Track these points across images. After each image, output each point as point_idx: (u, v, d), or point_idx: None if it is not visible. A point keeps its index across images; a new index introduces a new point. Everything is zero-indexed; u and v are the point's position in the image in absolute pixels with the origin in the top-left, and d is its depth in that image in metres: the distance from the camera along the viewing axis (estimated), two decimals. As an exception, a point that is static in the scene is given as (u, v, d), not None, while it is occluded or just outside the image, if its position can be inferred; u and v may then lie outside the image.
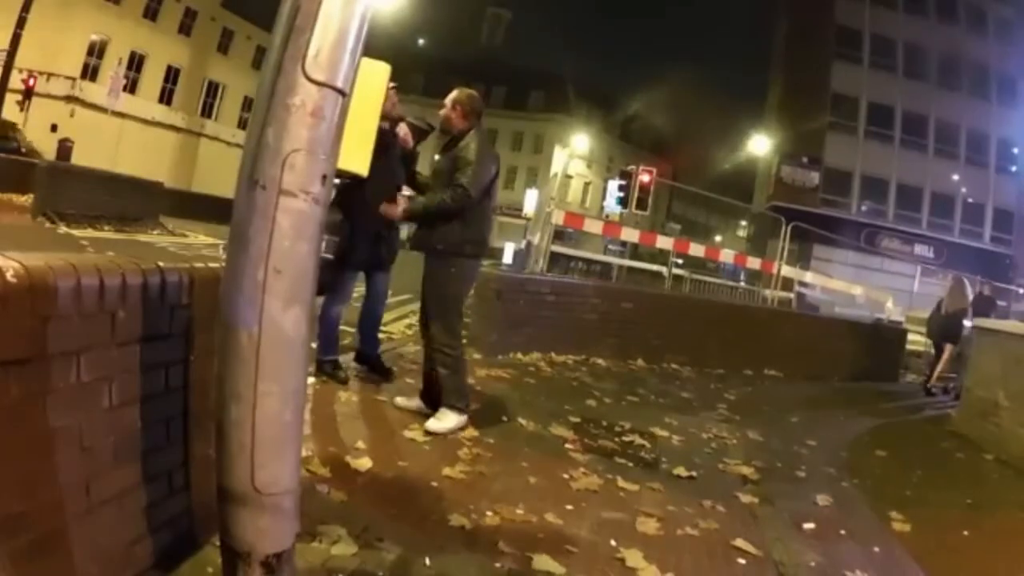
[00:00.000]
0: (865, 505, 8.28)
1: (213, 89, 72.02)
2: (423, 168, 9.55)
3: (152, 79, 65.01)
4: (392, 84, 9.23)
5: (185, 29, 67.24)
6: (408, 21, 63.44)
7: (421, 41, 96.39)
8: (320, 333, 9.27)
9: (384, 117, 9.07)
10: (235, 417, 3.15)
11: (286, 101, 3.07)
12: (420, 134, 9.56)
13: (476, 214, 8.28)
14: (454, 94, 8.44)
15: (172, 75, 67.17)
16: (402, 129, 9.20)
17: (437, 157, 8.54)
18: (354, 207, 8.90)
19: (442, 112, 8.38)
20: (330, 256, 8.45)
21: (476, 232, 8.37)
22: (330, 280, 8.71)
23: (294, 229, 3.09)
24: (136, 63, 62.75)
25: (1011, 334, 13.05)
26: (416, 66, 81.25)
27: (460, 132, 8.33)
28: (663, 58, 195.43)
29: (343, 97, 3.19)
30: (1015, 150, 66.32)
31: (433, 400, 8.42)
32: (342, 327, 9.62)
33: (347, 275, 9.20)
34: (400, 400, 8.67)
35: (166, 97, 66.90)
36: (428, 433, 7.77)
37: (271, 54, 3.15)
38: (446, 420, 8.02)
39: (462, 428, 8.08)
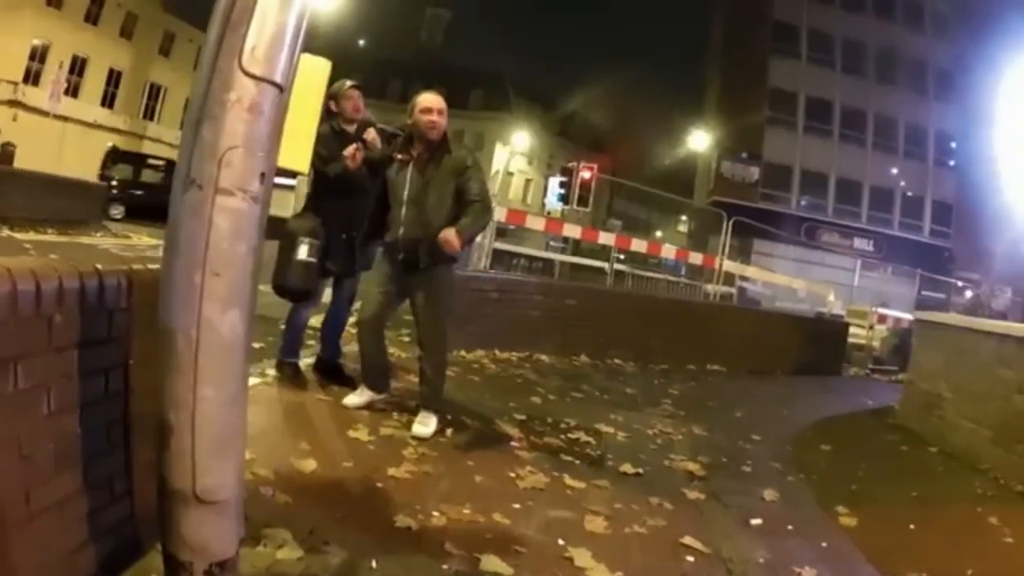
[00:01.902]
0: (812, 500, 8.32)
1: (155, 92, 71.73)
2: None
3: (94, 82, 64.75)
4: (354, 83, 9.11)
5: (127, 32, 67.01)
6: (348, 22, 63.42)
7: (361, 42, 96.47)
8: (286, 335, 9.21)
9: (349, 121, 8.95)
10: (174, 423, 3.11)
11: (222, 97, 3.03)
12: (389, 139, 9.33)
13: None
14: (441, 99, 8.18)
15: (114, 78, 66.88)
16: (370, 134, 8.91)
17: (412, 165, 8.18)
18: (323, 213, 8.76)
19: (439, 120, 8.04)
20: (314, 260, 8.34)
21: None
22: (312, 287, 8.68)
23: (232, 229, 3.05)
24: (78, 67, 62.50)
25: (953, 327, 13.18)
26: (356, 67, 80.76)
27: (443, 138, 8.17)
28: (602, 56, 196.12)
29: (281, 92, 3.15)
30: (952, 144, 67.15)
31: (378, 386, 8.58)
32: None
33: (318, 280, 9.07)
34: (351, 399, 8.55)
35: (108, 100, 66.55)
36: (416, 439, 7.74)
37: (207, 49, 3.10)
38: (431, 423, 8.03)
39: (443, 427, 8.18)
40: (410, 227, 8.05)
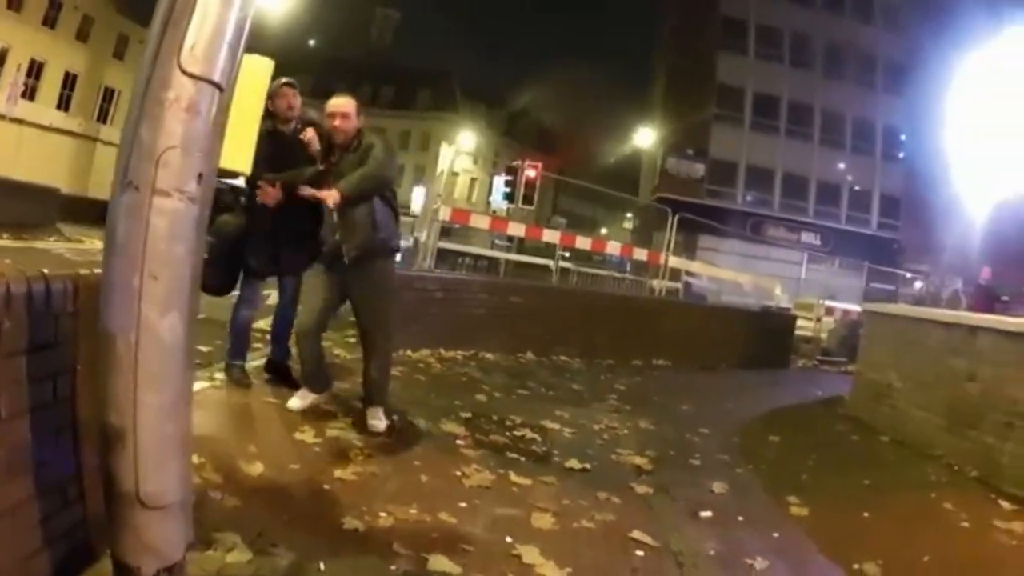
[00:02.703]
0: (761, 491, 8.37)
1: (109, 94, 70.48)
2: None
3: (50, 85, 63.61)
4: (286, 81, 8.99)
5: (83, 36, 65.90)
6: (297, 23, 63.19)
7: (311, 42, 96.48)
8: (230, 337, 9.16)
9: (285, 120, 8.84)
10: (117, 427, 3.08)
11: (160, 96, 3.01)
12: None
13: (395, 213, 8.34)
14: (351, 102, 8.16)
15: (70, 81, 65.90)
16: (307, 134, 8.55)
17: (333, 170, 8.12)
18: (254, 212, 8.69)
19: (340, 124, 8.02)
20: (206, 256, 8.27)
21: (398, 228, 8.48)
22: (217, 283, 8.55)
23: (169, 231, 3.03)
24: (35, 70, 61.62)
25: (902, 317, 13.33)
26: (305, 67, 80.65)
27: (354, 137, 8.10)
28: (548, 54, 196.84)
29: (220, 92, 3.11)
30: (902, 137, 67.42)
31: (318, 385, 8.52)
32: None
33: (250, 281, 9.02)
34: (294, 402, 8.42)
35: (64, 103, 65.37)
36: (374, 433, 7.84)
37: (147, 48, 3.08)
38: (382, 416, 8.09)
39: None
40: (337, 232, 8.02)
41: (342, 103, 8.10)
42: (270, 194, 8.27)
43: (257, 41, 3.30)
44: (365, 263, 8.01)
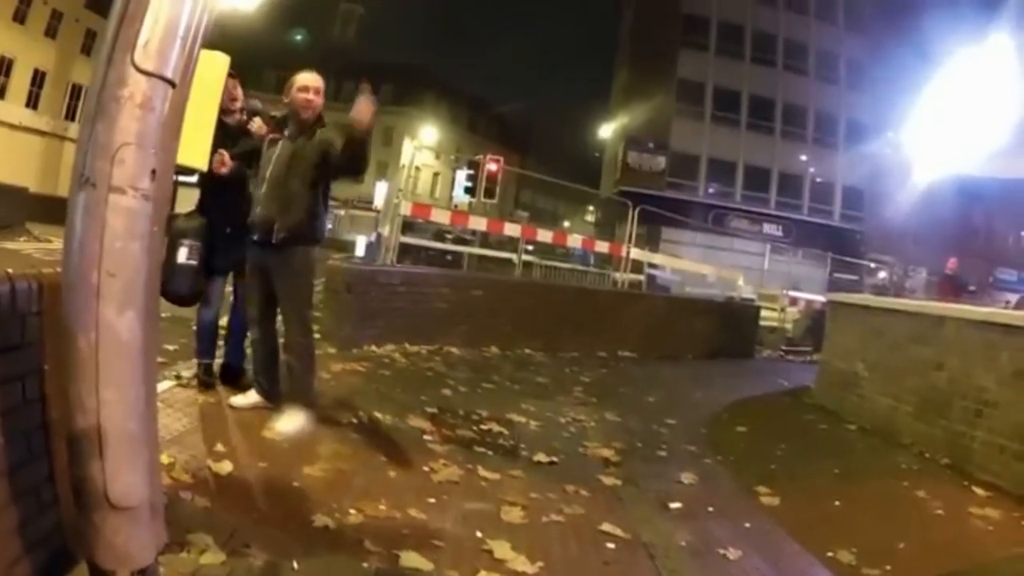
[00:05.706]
0: (731, 481, 8.40)
1: (77, 92, 69.65)
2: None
3: (20, 83, 63.14)
4: (229, 73, 8.87)
5: (51, 31, 65.14)
6: (259, 18, 62.85)
7: (274, 38, 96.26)
8: (197, 336, 9.01)
9: (228, 111, 8.69)
10: (81, 428, 3.01)
11: (116, 93, 2.95)
12: (278, 126, 9.11)
13: (327, 205, 8.16)
14: (318, 78, 8.18)
15: (38, 78, 65.32)
16: (255, 123, 8.64)
17: (281, 143, 8.07)
18: (211, 207, 8.58)
19: (315, 99, 8.03)
20: (195, 262, 8.14)
21: (326, 220, 8.37)
22: (201, 288, 8.45)
23: (125, 228, 2.97)
24: (5, 67, 61.21)
25: (867, 307, 13.40)
26: (267, 62, 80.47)
27: (317, 119, 8.05)
28: (511, 49, 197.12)
29: (173, 88, 3.07)
30: (864, 131, 67.57)
31: (270, 391, 8.22)
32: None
33: (213, 279, 8.77)
34: (237, 400, 8.29)
35: (32, 101, 64.82)
36: (281, 435, 7.46)
37: (103, 45, 3.03)
38: (298, 420, 7.68)
39: (312, 425, 7.81)
40: (267, 204, 7.87)
41: (316, 79, 8.12)
42: (223, 162, 8.07)
43: (207, 36, 3.24)
44: (289, 247, 7.84)
